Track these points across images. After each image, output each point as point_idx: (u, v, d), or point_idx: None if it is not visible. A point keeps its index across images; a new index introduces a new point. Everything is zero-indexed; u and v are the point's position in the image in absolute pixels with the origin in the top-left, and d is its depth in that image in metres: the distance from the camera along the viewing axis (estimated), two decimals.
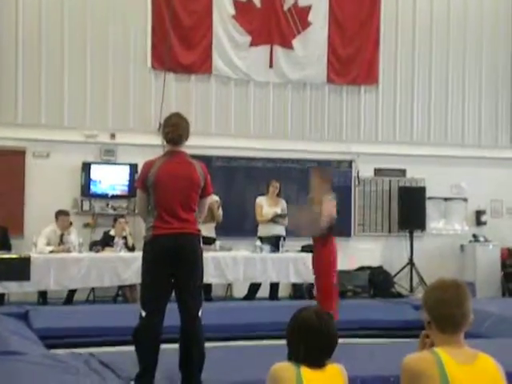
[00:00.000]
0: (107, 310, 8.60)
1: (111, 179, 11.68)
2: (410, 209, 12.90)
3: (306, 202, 7.49)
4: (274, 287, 10.88)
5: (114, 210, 11.58)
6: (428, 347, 2.82)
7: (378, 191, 13.19)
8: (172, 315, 4.91)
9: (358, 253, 12.70)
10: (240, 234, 11.68)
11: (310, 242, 11.30)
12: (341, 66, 12.83)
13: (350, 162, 12.91)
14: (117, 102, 11.76)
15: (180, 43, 11.96)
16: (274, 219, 11.02)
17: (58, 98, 11.47)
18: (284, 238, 10.95)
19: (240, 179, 12.44)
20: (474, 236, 13.28)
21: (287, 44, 12.48)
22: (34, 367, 5.26)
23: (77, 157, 11.45)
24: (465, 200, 13.48)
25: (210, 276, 9.60)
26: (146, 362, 4.87)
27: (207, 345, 5.04)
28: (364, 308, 8.98)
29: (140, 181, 5.14)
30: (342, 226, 12.73)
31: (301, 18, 12.47)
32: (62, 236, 10.24)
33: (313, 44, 12.63)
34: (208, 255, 9.10)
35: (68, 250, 9.92)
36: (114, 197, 11.70)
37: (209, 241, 10.21)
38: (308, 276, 10.69)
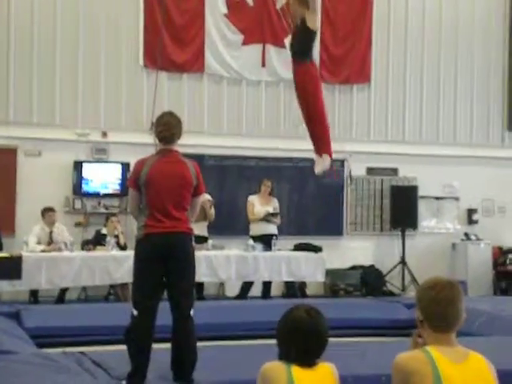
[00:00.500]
0: (99, 308, 8.58)
1: (103, 178, 11.66)
2: (402, 208, 12.92)
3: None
4: (267, 286, 10.89)
5: (106, 208, 11.56)
6: (420, 347, 2.83)
7: (370, 190, 13.22)
8: (164, 314, 4.90)
9: (350, 252, 12.73)
10: (232, 233, 11.68)
11: (301, 240, 11.39)
12: (333, 64, 12.84)
13: (342, 161, 12.90)
14: (109, 101, 11.74)
15: (172, 42, 11.94)
16: (266, 218, 11.02)
17: (50, 96, 11.44)
18: (276, 237, 10.94)
19: (232, 178, 12.44)
20: (466, 235, 13.32)
21: (279, 43, 12.46)
22: (25, 367, 5.24)
23: (68, 155, 11.42)
24: (456, 199, 13.52)
25: (202, 275, 9.60)
26: (138, 361, 4.86)
27: (199, 344, 5.03)
28: (356, 307, 8.97)
29: (132, 179, 5.12)
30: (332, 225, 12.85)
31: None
32: (50, 233, 10.20)
33: None
34: (200, 254, 9.10)
35: (59, 249, 9.89)
36: (105, 195, 11.68)
37: (201, 240, 10.20)
38: (300, 274, 10.74)
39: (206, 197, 10.24)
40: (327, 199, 12.78)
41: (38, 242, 9.95)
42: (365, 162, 13.04)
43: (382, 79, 13.24)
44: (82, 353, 5.73)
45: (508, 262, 13.04)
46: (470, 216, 13.61)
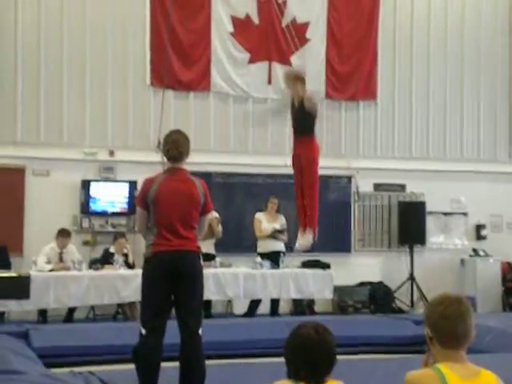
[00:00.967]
0: (107, 328, 8.56)
1: (110, 196, 11.68)
2: (409, 224, 12.89)
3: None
4: (275, 303, 10.86)
5: (114, 227, 11.58)
6: (430, 365, 2.81)
7: (377, 206, 13.20)
8: (172, 333, 4.89)
9: (358, 268, 12.69)
10: (240, 251, 11.67)
11: (309, 257, 11.37)
12: (339, 82, 12.88)
13: (350, 178, 12.92)
14: (116, 120, 11.79)
15: (179, 61, 12.00)
16: (274, 235, 11.02)
17: (58, 115, 11.50)
18: (284, 254, 10.93)
19: (239, 195, 12.45)
20: (474, 250, 13.27)
21: (285, 60, 12.52)
22: None
23: (76, 174, 11.46)
24: (465, 214, 13.48)
25: (209, 293, 9.58)
26: (147, 380, 4.85)
27: (207, 362, 5.02)
28: (365, 324, 8.93)
29: (140, 198, 5.14)
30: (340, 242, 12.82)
31: (299, 34, 12.52)
32: (61, 254, 10.23)
33: (311, 60, 12.67)
34: (208, 272, 9.08)
35: (67, 268, 9.90)
36: (113, 214, 11.70)
37: (208, 257, 10.20)
38: (308, 292, 10.70)
39: (214, 214, 10.24)
40: (335, 216, 12.76)
41: (48, 262, 9.96)
42: (372, 178, 13.03)
43: (389, 96, 13.26)
44: (90, 372, 5.72)
45: None
46: (479, 232, 13.56)
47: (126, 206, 11.65)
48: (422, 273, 12.77)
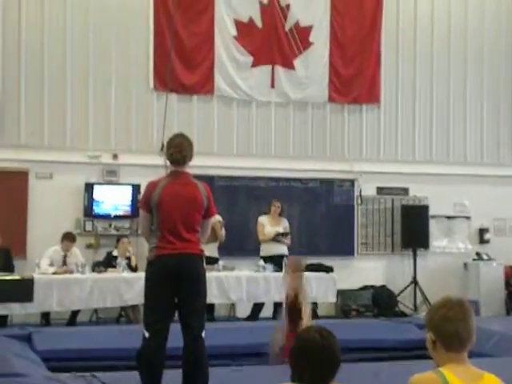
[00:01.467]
0: (110, 331, 8.57)
1: (114, 200, 11.69)
2: (413, 227, 12.88)
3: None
4: (278, 307, 10.84)
5: (117, 230, 11.59)
6: None
7: (380, 210, 13.19)
8: (175, 336, 4.90)
9: (361, 272, 12.69)
10: (243, 254, 11.67)
11: (312, 261, 11.37)
12: (342, 85, 12.88)
13: (353, 181, 12.92)
14: (119, 123, 11.80)
15: (182, 64, 12.02)
16: (277, 238, 11.03)
17: (61, 119, 11.52)
18: (287, 257, 10.92)
19: (242, 199, 12.45)
20: (478, 254, 13.25)
21: (289, 64, 12.53)
22: None
23: (80, 177, 11.47)
24: (468, 218, 13.47)
25: (212, 296, 9.58)
26: (150, 383, 4.85)
27: (210, 365, 5.02)
28: (368, 328, 8.93)
29: (143, 201, 5.14)
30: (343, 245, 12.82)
31: (302, 38, 12.54)
32: (65, 257, 10.24)
33: (314, 64, 12.69)
34: (211, 275, 9.06)
35: (71, 271, 9.91)
36: (116, 217, 11.70)
37: (211, 261, 10.19)
38: (311, 295, 10.67)
39: (217, 218, 10.24)
40: (338, 219, 12.77)
41: (51, 264, 9.97)
42: (375, 182, 13.03)
43: (392, 99, 13.26)
44: (93, 375, 5.73)
45: None
46: (482, 235, 13.55)
47: (129, 209, 11.66)
48: (426, 276, 12.76)
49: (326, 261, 11.50)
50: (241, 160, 12.26)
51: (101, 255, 11.10)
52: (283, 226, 11.22)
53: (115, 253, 10.68)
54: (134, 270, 10.42)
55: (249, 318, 10.78)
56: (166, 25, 11.82)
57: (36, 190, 11.36)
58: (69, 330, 9.29)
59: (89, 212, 11.55)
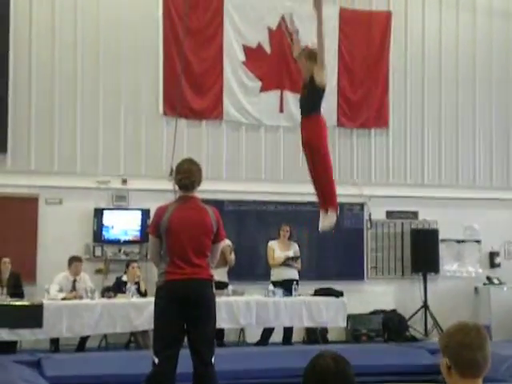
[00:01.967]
0: (120, 356, 8.53)
1: (123, 225, 11.71)
2: (422, 251, 12.83)
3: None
4: (288, 332, 10.80)
5: (126, 255, 11.59)
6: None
7: (390, 234, 13.16)
8: (185, 362, 4.87)
9: (371, 296, 12.62)
10: (252, 278, 11.64)
11: (322, 285, 11.33)
12: (351, 110, 12.92)
13: (362, 205, 12.90)
14: (129, 148, 11.85)
15: (191, 89, 12.09)
16: (287, 262, 11.01)
17: (71, 144, 11.58)
18: (297, 282, 10.90)
19: (252, 223, 12.45)
20: (488, 278, 13.17)
21: (297, 88, 12.50)
22: None
23: (89, 203, 11.50)
24: (478, 242, 13.40)
25: (222, 321, 9.54)
26: None
27: None
28: (379, 353, 8.86)
29: (153, 226, 5.15)
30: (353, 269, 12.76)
31: None
32: (74, 282, 10.25)
33: None
34: (220, 300, 9.05)
35: (80, 297, 9.90)
36: (126, 242, 11.71)
37: (221, 285, 10.18)
38: (321, 320, 10.62)
39: (227, 242, 10.25)
40: (347, 243, 12.74)
41: (60, 290, 9.98)
42: (384, 206, 13.00)
43: (400, 123, 13.28)
44: None
45: None
46: (492, 259, 13.48)
47: (138, 234, 11.67)
48: (436, 301, 12.68)
49: (336, 285, 11.45)
50: (250, 184, 12.27)
51: (110, 280, 11.08)
52: (293, 250, 11.21)
53: (125, 278, 10.68)
54: (143, 295, 10.41)
55: (259, 343, 10.73)
56: (175, 50, 11.91)
57: (46, 216, 11.40)
58: (78, 355, 9.25)
59: (98, 237, 11.56)
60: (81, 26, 11.69)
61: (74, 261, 10.33)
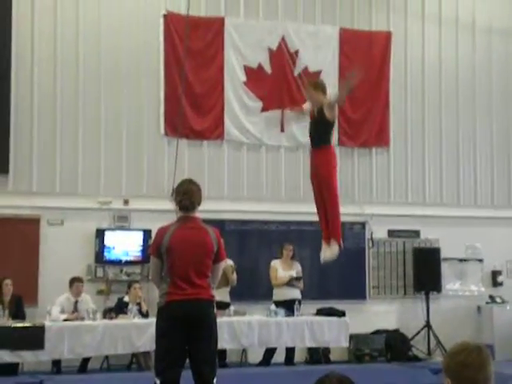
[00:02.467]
0: (121, 378, 8.52)
1: (125, 245, 11.69)
2: (425, 270, 12.80)
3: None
4: (290, 352, 10.76)
5: (128, 276, 11.57)
6: None
7: (392, 253, 13.14)
8: (187, 383, 4.86)
9: (373, 316, 12.58)
10: (254, 298, 11.62)
11: (324, 305, 11.29)
12: (351, 129, 12.95)
13: (363, 224, 12.90)
14: (130, 169, 11.88)
15: (192, 110, 12.13)
16: (290, 282, 10.99)
17: (73, 165, 11.60)
18: (299, 302, 10.87)
19: (253, 243, 12.44)
20: (491, 297, 13.14)
21: (298, 109, 12.62)
22: None
23: (91, 223, 11.50)
24: (480, 261, 13.38)
25: (224, 341, 9.51)
26: None
27: None
28: (381, 373, 8.84)
29: (154, 247, 5.16)
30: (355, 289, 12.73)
31: None
32: (75, 303, 10.23)
33: None
34: (222, 320, 9.04)
35: (82, 318, 9.88)
36: (127, 263, 11.69)
37: (223, 305, 10.16)
38: (323, 340, 10.57)
39: (229, 262, 10.24)
40: (349, 262, 12.70)
41: (62, 311, 9.96)
42: (386, 225, 12.99)
43: (401, 142, 13.31)
44: None
45: None
46: (495, 278, 13.45)
47: (140, 254, 11.65)
48: (439, 320, 12.63)
49: (338, 305, 11.43)
50: (251, 204, 12.27)
51: (112, 301, 11.06)
52: (296, 269, 11.20)
53: (126, 299, 10.65)
54: (144, 315, 10.38)
55: (261, 364, 10.68)
56: (176, 71, 11.97)
57: (47, 237, 11.40)
58: (80, 377, 9.24)
59: (100, 258, 11.55)
60: (82, 47, 11.76)
61: (75, 281, 10.32)
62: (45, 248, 11.34)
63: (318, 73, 12.75)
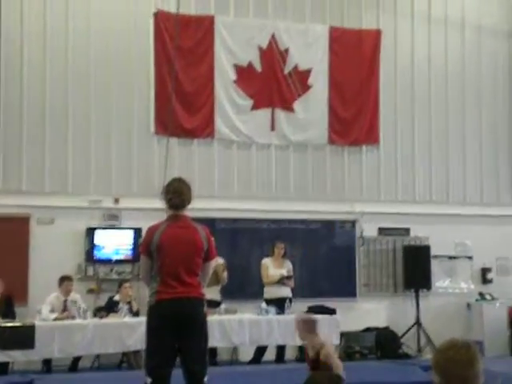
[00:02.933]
0: (112, 377, 8.51)
1: (115, 244, 11.68)
2: (414, 268, 12.84)
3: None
4: (281, 350, 10.77)
5: (119, 274, 11.55)
6: None
7: (382, 250, 13.17)
8: (178, 381, 4.86)
9: (363, 313, 12.61)
10: (245, 297, 11.62)
11: (315, 303, 11.31)
12: (341, 127, 12.98)
13: (354, 222, 12.93)
14: (120, 167, 11.86)
15: (183, 108, 12.13)
16: (281, 281, 11.00)
17: (62, 164, 11.58)
18: (290, 300, 10.88)
19: (244, 241, 12.45)
20: (481, 294, 13.19)
21: (288, 107, 12.65)
22: None
23: (81, 222, 11.48)
24: (470, 258, 13.44)
25: (215, 340, 9.50)
26: None
27: None
28: (372, 370, 8.85)
29: (143, 246, 5.15)
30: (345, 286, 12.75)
31: (301, 81, 12.68)
32: (65, 302, 10.20)
33: (313, 106, 12.80)
34: (213, 318, 9.03)
35: (72, 317, 9.85)
36: (118, 262, 11.68)
37: (214, 304, 10.15)
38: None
39: (219, 260, 10.24)
40: (340, 260, 12.75)
41: (52, 311, 9.93)
42: (376, 223, 13.03)
43: (391, 140, 13.35)
44: None
45: None
46: (485, 275, 13.50)
47: (130, 253, 11.64)
48: (429, 317, 12.67)
49: (329, 302, 11.44)
50: (242, 202, 12.28)
51: (102, 300, 11.04)
52: (287, 268, 11.19)
53: (117, 297, 10.63)
54: (135, 314, 10.37)
55: (252, 362, 10.69)
56: (166, 70, 11.96)
57: (37, 236, 11.37)
58: (70, 376, 9.22)
59: (90, 257, 11.53)
60: (72, 45, 11.74)
61: (64, 280, 10.28)
62: (35, 247, 11.31)
63: (308, 71, 12.76)
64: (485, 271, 13.52)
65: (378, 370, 8.76)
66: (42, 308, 9.86)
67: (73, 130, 11.68)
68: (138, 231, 11.32)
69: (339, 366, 5.92)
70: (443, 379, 2.79)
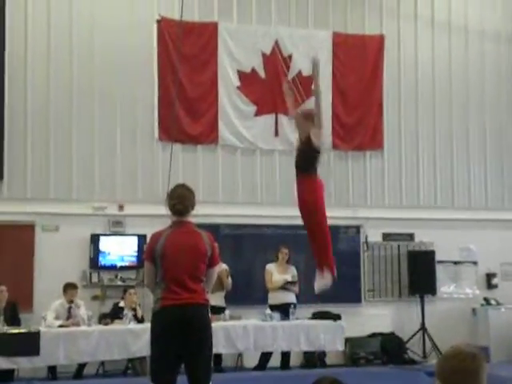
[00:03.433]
0: (117, 383, 8.49)
1: (120, 250, 11.69)
2: (419, 273, 12.82)
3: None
4: (286, 356, 10.75)
5: (123, 281, 11.56)
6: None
7: (386, 256, 13.15)
8: None
9: (369, 319, 12.58)
10: (249, 303, 11.61)
11: (319, 309, 11.29)
12: (345, 132, 12.98)
13: (358, 228, 12.91)
14: (125, 174, 11.88)
15: (186, 115, 12.15)
16: (285, 286, 10.98)
17: (67, 171, 11.60)
18: (294, 306, 10.87)
19: (248, 247, 12.44)
20: (486, 299, 13.16)
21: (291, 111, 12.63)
22: None
23: (85, 229, 11.49)
24: (474, 263, 13.40)
25: (219, 346, 9.51)
26: None
27: None
28: (377, 376, 8.84)
29: (148, 252, 5.15)
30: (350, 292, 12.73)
31: (305, 87, 12.67)
32: (69, 309, 10.20)
33: None
34: (217, 325, 9.02)
35: (77, 324, 9.86)
36: (122, 268, 11.68)
37: (218, 310, 10.15)
38: (319, 344, 10.57)
39: (223, 266, 10.23)
40: (344, 266, 12.66)
41: (57, 317, 9.93)
42: (380, 228, 13.02)
43: (395, 145, 13.34)
44: None
45: None
46: (489, 280, 13.48)
47: (135, 259, 11.65)
48: (434, 323, 12.65)
49: (333, 308, 11.43)
50: (246, 208, 12.29)
51: (107, 307, 11.05)
52: (291, 273, 11.18)
53: (122, 304, 10.64)
54: (140, 321, 10.36)
55: (256, 368, 10.67)
56: (170, 76, 11.98)
57: (42, 243, 11.38)
58: (75, 383, 9.21)
59: (95, 263, 11.54)
60: (76, 53, 11.77)
61: (68, 287, 10.28)
62: (40, 254, 11.32)
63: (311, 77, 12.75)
64: (490, 276, 13.49)
65: (383, 376, 8.75)
66: (46, 315, 9.87)
67: (77, 137, 11.70)
68: (142, 238, 11.32)
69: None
70: None
